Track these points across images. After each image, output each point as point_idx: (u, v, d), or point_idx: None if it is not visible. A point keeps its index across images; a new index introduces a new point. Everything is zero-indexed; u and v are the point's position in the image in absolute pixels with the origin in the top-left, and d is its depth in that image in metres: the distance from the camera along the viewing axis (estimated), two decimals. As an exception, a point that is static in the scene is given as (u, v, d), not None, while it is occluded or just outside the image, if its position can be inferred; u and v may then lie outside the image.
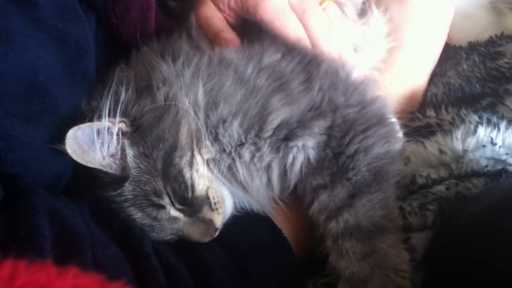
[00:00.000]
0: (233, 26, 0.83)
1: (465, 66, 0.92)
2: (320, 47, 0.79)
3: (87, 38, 0.73)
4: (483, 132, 0.77)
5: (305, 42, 0.79)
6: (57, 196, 0.65)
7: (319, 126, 0.73)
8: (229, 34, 0.81)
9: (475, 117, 0.80)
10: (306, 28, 0.79)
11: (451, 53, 0.96)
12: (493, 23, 1.03)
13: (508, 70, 0.88)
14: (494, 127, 0.78)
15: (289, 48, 0.79)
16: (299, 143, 0.73)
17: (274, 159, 0.74)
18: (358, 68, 0.84)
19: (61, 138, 0.64)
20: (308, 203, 0.75)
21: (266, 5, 0.78)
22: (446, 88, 0.91)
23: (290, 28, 0.79)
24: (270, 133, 0.72)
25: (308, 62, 0.77)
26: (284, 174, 0.75)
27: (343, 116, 0.74)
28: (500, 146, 0.76)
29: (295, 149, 0.73)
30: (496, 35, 0.95)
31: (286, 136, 0.73)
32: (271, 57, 0.77)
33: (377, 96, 0.79)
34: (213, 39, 0.81)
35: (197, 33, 0.82)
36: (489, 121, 0.79)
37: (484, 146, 0.77)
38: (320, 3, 0.81)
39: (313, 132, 0.73)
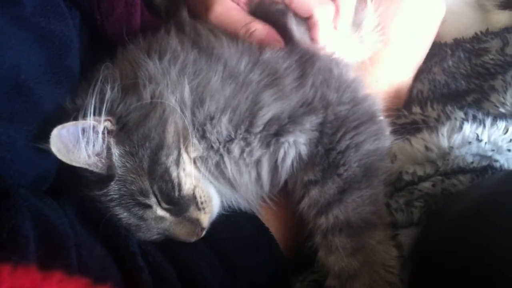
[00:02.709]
0: None
1: (450, 63, 0.93)
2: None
3: (70, 36, 0.72)
4: (468, 128, 0.78)
5: (327, 1, 0.79)
6: (41, 197, 0.63)
7: (311, 122, 0.73)
8: (259, 25, 0.79)
9: (461, 114, 0.81)
10: None
11: (436, 49, 0.97)
12: (478, 20, 1.04)
13: (493, 66, 0.89)
14: (480, 124, 0.78)
15: (291, 47, 0.78)
16: (291, 138, 0.73)
17: (264, 154, 0.74)
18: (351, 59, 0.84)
19: (45, 137, 0.63)
20: (298, 199, 0.75)
21: None
22: (432, 85, 0.91)
23: None
24: (260, 128, 0.72)
25: (305, 60, 0.78)
26: (275, 169, 0.75)
27: (335, 112, 0.74)
28: (485, 143, 0.77)
29: (286, 145, 0.73)
30: (481, 32, 0.96)
31: (277, 131, 0.73)
32: (273, 53, 0.77)
33: (368, 94, 0.79)
34: (242, 33, 0.79)
35: (191, 29, 0.80)
36: (474, 118, 0.79)
37: (469, 142, 0.77)
38: None
39: (305, 128, 0.73)
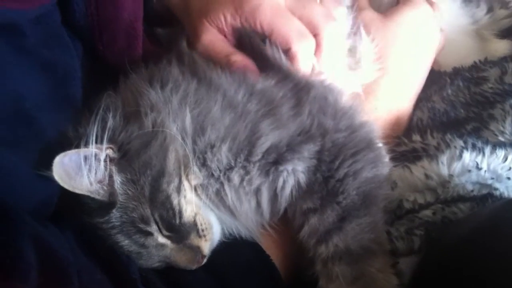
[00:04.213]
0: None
1: (449, 91, 0.94)
2: (321, 33, 0.81)
3: (73, 65, 0.73)
4: (468, 157, 0.78)
5: (306, 35, 0.80)
6: (43, 223, 0.64)
7: (309, 150, 0.74)
8: (239, 57, 0.81)
9: (460, 142, 0.81)
10: (306, 21, 0.81)
11: (435, 78, 0.98)
12: (477, 49, 1.05)
13: (492, 95, 0.90)
14: (479, 152, 0.79)
15: (283, 75, 0.80)
16: (289, 167, 0.73)
17: (263, 182, 0.74)
18: (346, 90, 0.85)
19: (47, 164, 0.64)
20: (298, 227, 0.75)
21: (263, 8, 0.79)
22: (431, 113, 0.92)
23: (291, 25, 0.80)
24: (259, 156, 0.73)
25: (300, 89, 0.79)
26: (274, 198, 0.75)
27: (332, 140, 0.75)
28: (485, 171, 0.77)
29: (285, 173, 0.73)
30: (480, 61, 0.97)
31: (275, 160, 0.73)
32: (264, 82, 0.78)
33: (365, 121, 0.80)
34: (223, 63, 0.81)
35: (189, 59, 0.82)
36: (474, 146, 0.80)
37: (469, 171, 0.77)
38: None
39: (303, 156, 0.73)
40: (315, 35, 0.81)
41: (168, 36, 0.93)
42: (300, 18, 0.81)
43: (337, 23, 0.83)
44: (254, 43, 0.82)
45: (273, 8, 0.80)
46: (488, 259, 0.61)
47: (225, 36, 0.83)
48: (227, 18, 0.82)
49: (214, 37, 0.83)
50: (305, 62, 0.81)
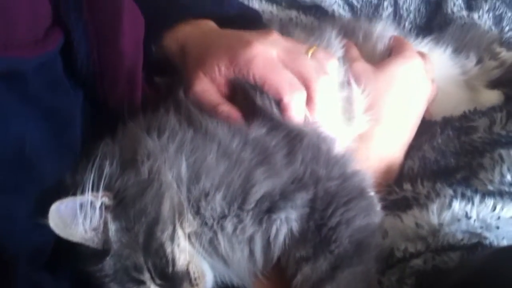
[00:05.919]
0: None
1: (440, 140, 0.95)
2: (312, 86, 0.83)
3: (74, 112, 0.75)
4: (457, 206, 0.79)
5: (298, 86, 0.82)
6: (38, 270, 0.64)
7: (302, 198, 0.74)
8: (227, 107, 0.83)
9: (450, 191, 0.82)
10: (298, 74, 0.83)
11: (426, 127, 0.99)
12: (467, 99, 1.07)
13: (481, 145, 0.91)
14: (469, 201, 0.80)
15: (275, 124, 0.81)
16: (282, 215, 0.74)
17: (257, 231, 0.74)
18: (338, 140, 0.86)
19: (44, 211, 0.64)
20: (291, 276, 0.75)
21: (256, 61, 0.82)
22: (422, 162, 0.93)
23: (283, 77, 0.82)
24: (253, 205, 0.73)
25: (293, 137, 0.80)
26: (267, 246, 0.75)
27: (325, 188, 0.76)
28: (474, 220, 0.78)
29: (278, 221, 0.74)
30: (469, 110, 0.99)
31: (268, 208, 0.74)
32: (257, 131, 0.79)
33: (358, 169, 0.81)
34: (212, 112, 0.83)
35: (185, 108, 0.83)
36: (463, 195, 0.81)
37: (459, 220, 0.78)
38: (306, 52, 0.86)
39: (296, 204, 0.74)
40: (307, 88, 0.83)
41: (166, 85, 0.95)
42: (292, 71, 0.83)
43: (328, 76, 0.85)
44: (247, 93, 0.84)
45: (266, 60, 0.82)
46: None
47: (217, 86, 0.85)
48: (221, 69, 0.84)
49: (206, 87, 0.85)
50: (297, 113, 0.82)
